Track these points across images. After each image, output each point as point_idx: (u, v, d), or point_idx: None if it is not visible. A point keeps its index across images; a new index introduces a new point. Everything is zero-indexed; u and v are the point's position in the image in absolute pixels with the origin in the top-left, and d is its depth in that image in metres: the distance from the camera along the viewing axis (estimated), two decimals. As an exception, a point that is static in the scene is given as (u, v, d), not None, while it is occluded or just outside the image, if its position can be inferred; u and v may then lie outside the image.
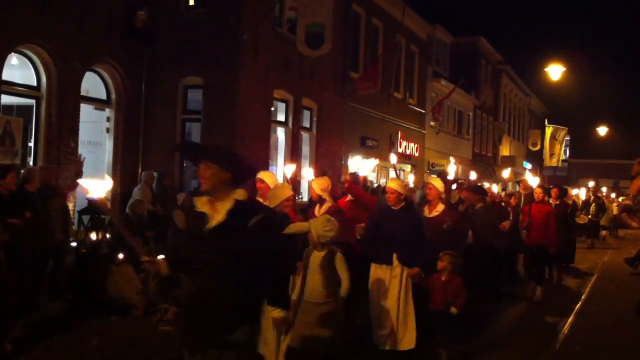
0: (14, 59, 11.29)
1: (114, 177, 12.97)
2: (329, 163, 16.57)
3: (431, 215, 7.69)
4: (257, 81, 14.17)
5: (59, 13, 11.47)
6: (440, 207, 7.76)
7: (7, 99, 11.03)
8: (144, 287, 8.38)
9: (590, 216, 20.64)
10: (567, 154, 56.34)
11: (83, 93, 12.49)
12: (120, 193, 12.92)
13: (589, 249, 19.48)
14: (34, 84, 11.59)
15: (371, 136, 20.14)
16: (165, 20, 13.72)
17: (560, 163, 42.30)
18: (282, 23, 15.48)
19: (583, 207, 20.94)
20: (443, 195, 8.02)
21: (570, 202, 18.98)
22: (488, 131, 34.42)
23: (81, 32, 11.96)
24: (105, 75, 13.22)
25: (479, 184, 13.13)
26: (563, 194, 13.38)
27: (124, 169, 13.36)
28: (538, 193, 10.78)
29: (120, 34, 12.96)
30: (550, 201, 12.24)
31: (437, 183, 7.98)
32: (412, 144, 23.62)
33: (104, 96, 13.36)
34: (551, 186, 13.56)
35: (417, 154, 24.21)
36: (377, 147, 20.50)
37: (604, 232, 23.31)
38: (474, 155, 32.17)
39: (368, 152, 20.10)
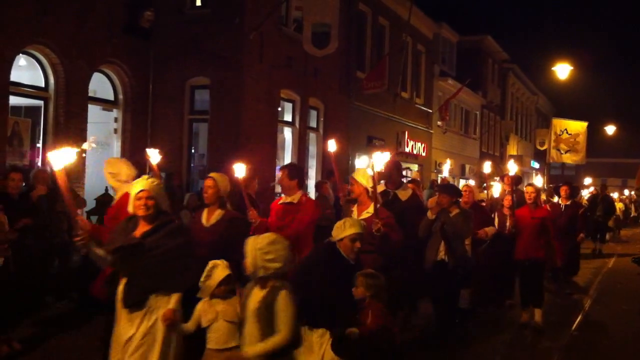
0: (22, 60, 11.36)
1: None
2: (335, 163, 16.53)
3: (361, 218, 5.94)
4: (263, 81, 14.18)
5: (63, 13, 11.53)
6: (372, 208, 6.12)
7: (15, 100, 11.10)
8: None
9: (598, 216, 18.25)
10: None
11: (90, 94, 12.55)
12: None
13: (594, 256, 17.12)
14: (42, 84, 11.65)
15: (378, 136, 20.12)
16: (170, 19, 13.76)
17: (584, 160, 41.29)
18: (288, 22, 15.49)
19: (589, 206, 18.02)
20: (371, 193, 6.22)
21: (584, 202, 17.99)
22: (495, 130, 34.35)
23: (87, 32, 12.02)
24: (113, 75, 13.28)
25: (452, 184, 10.94)
26: (574, 193, 11.98)
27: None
28: (529, 193, 8.52)
29: (126, 33, 13.01)
30: (560, 202, 11.28)
31: (362, 178, 6.35)
32: (419, 144, 23.59)
33: (111, 97, 13.42)
34: (560, 184, 12.31)
35: (424, 154, 24.18)
36: (384, 147, 20.49)
37: (608, 237, 20.60)
38: (481, 154, 32.10)
39: (375, 151, 20.09)
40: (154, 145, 13.80)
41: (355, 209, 6.38)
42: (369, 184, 6.26)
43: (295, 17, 15.48)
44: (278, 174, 7.96)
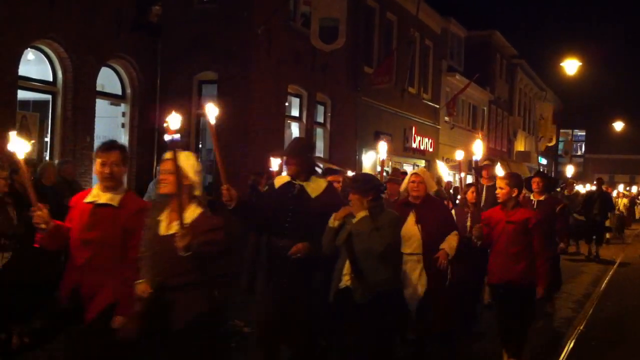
0: (30, 55, 11.38)
1: (129, 172, 13.07)
2: (342, 158, 16.57)
3: (169, 232, 3.98)
4: (271, 76, 14.17)
5: (72, 7, 11.53)
6: (195, 211, 4.10)
7: (23, 94, 11.12)
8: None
9: (594, 215, 16.20)
10: (583, 149, 56.08)
11: (98, 88, 12.57)
12: (136, 187, 12.98)
13: (589, 261, 15.45)
14: (50, 79, 11.68)
15: (385, 131, 20.09)
16: (179, 15, 13.76)
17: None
18: (296, 17, 15.47)
19: (584, 204, 16.53)
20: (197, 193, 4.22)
21: (571, 194, 16.36)
22: (503, 126, 34.22)
23: (95, 27, 12.03)
24: (120, 70, 13.30)
25: (368, 174, 7.57)
26: (550, 186, 9.24)
27: (139, 164, 13.42)
28: (501, 185, 6.07)
29: (134, 28, 13.02)
30: (532, 197, 8.52)
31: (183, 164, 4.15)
32: (426, 139, 23.55)
33: (119, 91, 13.43)
34: (531, 175, 9.64)
35: (431, 149, 24.13)
36: (391, 142, 20.46)
37: (608, 235, 19.41)
38: (489, 150, 32.01)
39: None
40: (161, 140, 13.88)
41: (165, 216, 4.18)
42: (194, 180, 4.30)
43: (303, 12, 15.46)
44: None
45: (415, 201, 6.01)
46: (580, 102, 50.95)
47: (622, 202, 24.49)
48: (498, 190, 6.11)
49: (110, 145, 4.34)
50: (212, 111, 4.76)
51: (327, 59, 15.82)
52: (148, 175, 13.23)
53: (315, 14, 14.03)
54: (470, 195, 7.35)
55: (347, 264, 4.97)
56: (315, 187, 5.26)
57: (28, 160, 8.86)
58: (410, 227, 5.88)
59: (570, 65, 27.99)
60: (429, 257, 5.85)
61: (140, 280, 4.01)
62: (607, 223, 18.37)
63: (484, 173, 8.61)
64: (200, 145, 14.53)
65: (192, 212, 4.10)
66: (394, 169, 10.36)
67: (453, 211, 7.21)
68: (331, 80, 16.70)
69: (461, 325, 6.64)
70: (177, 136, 4.08)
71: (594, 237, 16.19)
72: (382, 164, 6.20)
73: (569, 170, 18.37)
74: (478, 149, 6.10)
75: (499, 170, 8.47)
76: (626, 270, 14.18)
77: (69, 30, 11.51)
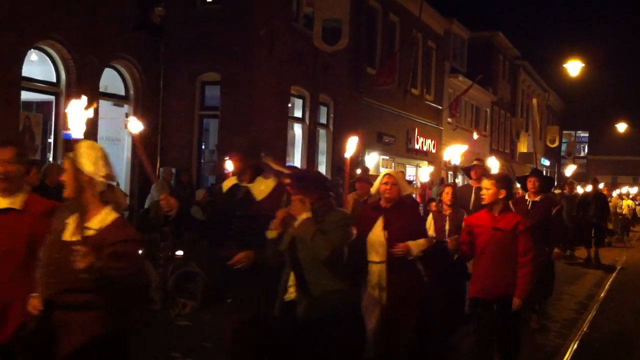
0: (33, 56, 11.40)
1: (132, 173, 13.10)
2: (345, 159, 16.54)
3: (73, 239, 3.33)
4: (274, 77, 14.18)
5: (74, 8, 11.54)
6: (108, 217, 3.41)
7: (27, 95, 11.13)
8: (162, 282, 8.43)
9: (590, 217, 15.49)
10: (586, 150, 56.02)
11: (102, 89, 12.58)
12: (138, 188, 13.00)
13: (588, 265, 14.81)
14: (54, 80, 11.69)
15: (388, 132, 20.09)
16: (181, 15, 13.78)
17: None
18: (299, 18, 15.48)
19: (579, 205, 15.76)
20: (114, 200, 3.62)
21: (571, 195, 15.58)
22: (505, 127, 34.19)
23: (98, 28, 12.03)
24: (124, 71, 13.31)
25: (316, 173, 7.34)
26: (547, 185, 8.21)
27: (142, 165, 13.41)
28: (487, 185, 5.31)
29: (137, 29, 13.02)
30: (527, 196, 7.84)
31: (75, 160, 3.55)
32: (428, 140, 23.55)
33: (122, 92, 13.44)
34: (527, 174, 8.43)
35: (434, 151, 24.12)
36: (394, 144, 20.47)
37: (608, 239, 18.73)
38: (491, 151, 31.98)
39: (385, 148, 20.10)
40: (164, 141, 13.91)
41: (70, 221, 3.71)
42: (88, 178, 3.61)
43: (305, 12, 15.47)
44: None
45: (385, 205, 5.46)
46: (583, 104, 50.94)
47: (625, 204, 23.81)
48: (484, 192, 5.30)
49: (2, 141, 3.81)
50: (135, 125, 4.76)
51: (330, 60, 15.83)
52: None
53: (318, 15, 14.04)
54: (446, 196, 6.87)
55: (293, 274, 4.38)
56: (261, 188, 4.81)
57: (33, 161, 8.88)
58: (378, 233, 5.35)
59: (573, 67, 27.95)
60: (394, 266, 5.27)
61: (34, 294, 3.40)
62: (610, 226, 17.93)
63: (472, 174, 8.08)
64: (203, 146, 14.54)
65: (102, 218, 3.40)
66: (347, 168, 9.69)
67: (430, 216, 6.83)
68: (334, 81, 16.70)
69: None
70: (69, 132, 3.73)
71: (593, 239, 15.46)
72: (347, 163, 5.72)
73: (570, 170, 18.06)
74: (456, 154, 5.74)
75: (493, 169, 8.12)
76: (629, 272, 14.14)
77: (72, 31, 11.52)
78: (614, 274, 13.50)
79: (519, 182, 8.23)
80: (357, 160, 17.96)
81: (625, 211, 23.27)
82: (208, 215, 5.14)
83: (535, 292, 6.91)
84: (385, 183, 5.45)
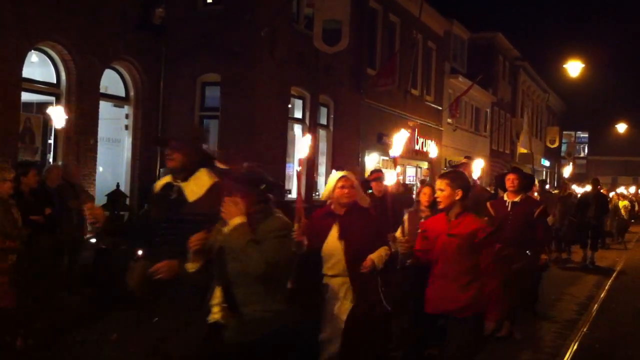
0: (33, 57, 11.40)
1: (132, 174, 13.11)
2: (345, 160, 16.57)
3: None
4: (274, 77, 14.18)
5: (75, 9, 11.54)
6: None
7: (27, 97, 11.13)
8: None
9: (589, 218, 14.94)
10: (586, 150, 56.04)
11: (102, 90, 12.58)
12: (139, 189, 13.01)
13: (584, 268, 14.26)
14: (54, 81, 11.69)
15: (388, 133, 20.09)
16: (182, 16, 13.77)
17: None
18: (299, 19, 15.49)
19: (578, 206, 15.37)
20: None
21: (565, 195, 15.14)
22: (506, 128, 34.20)
23: (98, 29, 12.04)
24: (124, 72, 13.31)
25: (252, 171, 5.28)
26: (527, 184, 7.43)
27: (142, 166, 13.44)
28: (441, 186, 4.75)
29: (138, 30, 13.04)
30: (505, 197, 7.22)
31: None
32: (429, 141, 23.55)
33: (122, 93, 13.45)
34: (506, 171, 7.96)
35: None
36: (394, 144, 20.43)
37: (608, 240, 18.70)
38: (492, 152, 31.99)
39: (385, 149, 20.08)
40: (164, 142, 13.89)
41: None
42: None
43: (306, 13, 15.49)
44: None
45: (339, 211, 4.89)
46: (583, 104, 50.96)
47: (622, 205, 23.01)
48: (438, 193, 4.77)
49: None
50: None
51: (330, 61, 15.83)
52: (151, 177, 13.24)
53: (319, 15, 14.04)
54: (423, 197, 6.21)
55: (220, 290, 3.69)
56: (195, 188, 4.15)
57: (32, 163, 8.90)
58: (333, 243, 4.83)
59: (574, 67, 27.95)
60: (357, 280, 4.75)
61: None
62: (608, 228, 17.44)
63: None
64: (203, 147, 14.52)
65: None
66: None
67: (406, 216, 5.86)
68: (334, 82, 16.70)
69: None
70: None
71: (589, 241, 14.90)
72: (300, 162, 5.25)
73: (567, 171, 17.58)
74: (398, 143, 5.24)
75: (476, 170, 7.39)
76: (630, 273, 14.13)
77: (73, 32, 11.52)
78: (614, 275, 13.51)
79: (496, 181, 7.63)
80: (358, 161, 17.99)
81: (623, 212, 22.67)
82: (135, 221, 4.62)
83: (517, 300, 6.94)
84: (343, 186, 4.90)
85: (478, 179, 7.55)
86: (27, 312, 6.68)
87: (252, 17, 13.42)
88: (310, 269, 4.72)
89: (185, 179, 4.19)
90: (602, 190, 17.30)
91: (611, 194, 23.68)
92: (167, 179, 4.34)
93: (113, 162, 13.34)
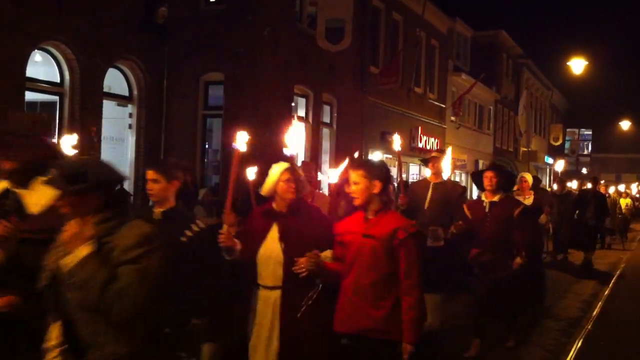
0: (37, 56, 11.42)
1: (136, 173, 13.12)
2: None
3: None
4: (277, 76, 14.18)
5: (79, 9, 11.55)
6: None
7: (31, 96, 11.16)
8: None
9: (588, 218, 14.31)
10: (590, 148, 55.95)
11: (105, 89, 12.60)
12: (142, 189, 13.02)
13: (582, 271, 13.45)
14: (57, 80, 11.72)
15: (391, 131, 20.06)
16: (185, 16, 13.78)
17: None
18: (302, 18, 15.49)
19: (576, 205, 14.56)
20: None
21: (563, 193, 14.35)
22: (509, 126, 34.15)
23: (102, 28, 12.05)
24: (127, 71, 13.33)
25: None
26: (507, 182, 6.95)
27: (146, 165, 13.41)
28: (356, 179, 3.92)
29: (141, 30, 13.05)
30: (483, 197, 6.74)
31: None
32: (432, 139, 23.52)
33: (126, 93, 13.47)
34: (483, 169, 7.64)
35: (437, 149, 24.07)
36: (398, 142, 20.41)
37: (608, 240, 18.26)
38: (495, 150, 31.95)
39: (388, 147, 20.08)
40: (168, 141, 13.94)
41: None
42: None
43: (309, 12, 15.48)
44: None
45: (281, 209, 4.14)
46: (586, 101, 50.91)
47: (624, 203, 22.46)
48: (352, 187, 3.88)
49: None
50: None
51: (333, 60, 15.82)
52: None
53: (321, 14, 14.04)
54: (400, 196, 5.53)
55: (57, 329, 2.78)
56: (34, 199, 3.04)
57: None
58: (271, 246, 4.04)
59: (577, 65, 27.92)
60: (292, 292, 3.94)
61: None
62: (609, 225, 17.02)
63: (430, 167, 6.89)
64: (206, 146, 14.56)
65: None
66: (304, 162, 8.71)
67: None
68: (337, 80, 16.70)
69: None
70: None
71: (589, 242, 14.34)
72: (236, 155, 4.48)
73: (559, 166, 16.79)
74: (292, 137, 4.56)
75: (446, 165, 6.79)
76: (634, 271, 14.11)
77: (76, 32, 11.54)
78: (618, 272, 13.49)
79: (473, 179, 7.05)
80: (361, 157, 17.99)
81: (624, 211, 22.23)
82: None
83: (509, 308, 6.78)
84: (288, 180, 4.13)
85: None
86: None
87: (255, 16, 13.43)
88: (235, 278, 3.97)
89: (26, 184, 3.18)
90: (601, 189, 16.83)
91: (610, 190, 22.70)
92: (4, 184, 3.36)
93: (117, 161, 13.33)
